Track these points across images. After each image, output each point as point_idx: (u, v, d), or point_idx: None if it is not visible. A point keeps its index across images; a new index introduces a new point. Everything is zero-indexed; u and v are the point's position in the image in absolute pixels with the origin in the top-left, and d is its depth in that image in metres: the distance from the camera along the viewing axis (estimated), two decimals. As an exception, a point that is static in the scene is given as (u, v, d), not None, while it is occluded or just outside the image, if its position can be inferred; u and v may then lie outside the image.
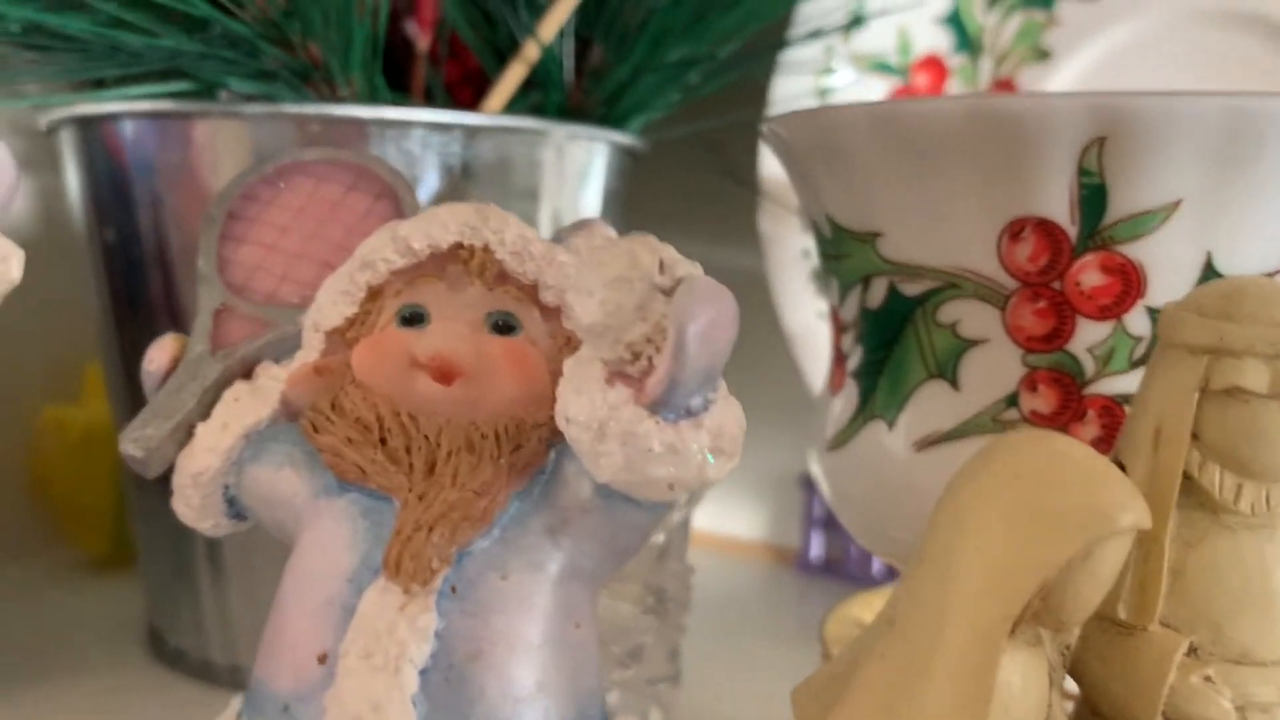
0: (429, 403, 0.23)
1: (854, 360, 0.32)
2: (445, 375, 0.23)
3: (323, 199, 0.29)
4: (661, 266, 0.21)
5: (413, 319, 0.25)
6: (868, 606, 0.38)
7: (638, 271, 0.21)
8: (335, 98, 0.38)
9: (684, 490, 0.21)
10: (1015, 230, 0.28)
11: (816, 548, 0.56)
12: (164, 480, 0.42)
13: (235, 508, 0.25)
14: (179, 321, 0.40)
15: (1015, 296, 0.28)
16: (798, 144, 0.32)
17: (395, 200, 0.29)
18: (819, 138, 0.31)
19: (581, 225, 0.27)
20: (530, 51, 0.43)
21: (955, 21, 0.49)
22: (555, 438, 0.23)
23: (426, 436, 0.23)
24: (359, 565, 0.22)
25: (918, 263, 0.29)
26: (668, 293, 0.21)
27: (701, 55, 0.46)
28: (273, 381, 0.25)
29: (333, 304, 0.25)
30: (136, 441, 0.25)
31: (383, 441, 0.23)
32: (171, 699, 0.42)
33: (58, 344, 0.55)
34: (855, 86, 0.49)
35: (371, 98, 0.39)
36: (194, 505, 0.25)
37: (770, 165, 0.50)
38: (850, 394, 0.32)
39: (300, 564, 0.23)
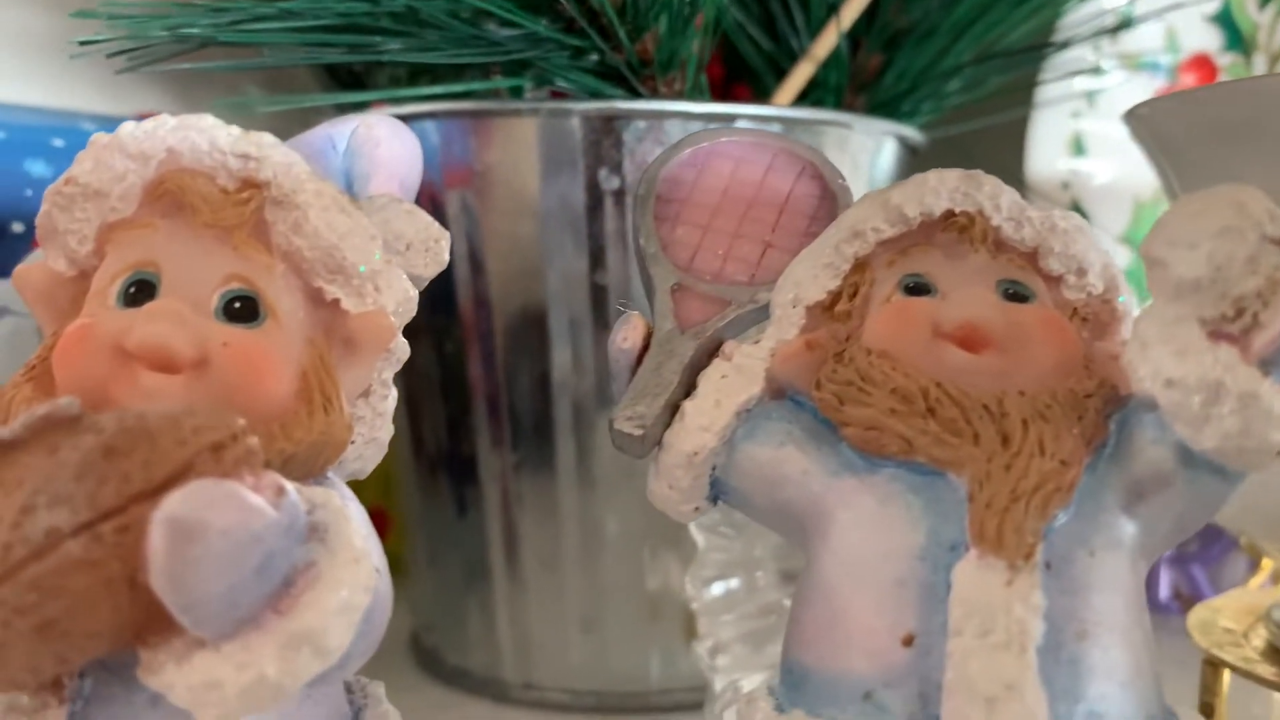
0: (959, 373, 0.22)
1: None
2: (975, 344, 0.22)
3: (744, 180, 0.28)
4: (1271, 217, 0.20)
5: (918, 289, 0.23)
6: (1223, 610, 0.36)
7: (1248, 221, 0.20)
8: (657, 94, 0.38)
9: (1292, 457, 0.20)
10: None
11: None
12: (458, 486, 0.41)
13: (716, 489, 0.24)
14: (491, 323, 0.39)
15: None
16: (1198, 123, 0.31)
17: (820, 178, 0.28)
18: (1239, 114, 0.29)
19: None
20: (821, 48, 0.42)
21: (1226, 19, 0.48)
22: (1109, 407, 0.22)
23: (987, 407, 0.21)
24: (927, 542, 0.20)
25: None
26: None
27: (978, 59, 0.45)
28: (750, 359, 0.24)
29: (814, 278, 0.24)
30: (631, 419, 0.23)
31: (930, 412, 0.21)
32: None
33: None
34: (1122, 86, 0.48)
35: (692, 94, 0.38)
36: (682, 487, 0.24)
37: (1036, 165, 0.49)
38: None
39: (847, 546, 0.21)
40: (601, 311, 0.39)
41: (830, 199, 0.28)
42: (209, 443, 0.18)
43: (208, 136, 0.22)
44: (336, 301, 0.23)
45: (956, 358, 0.22)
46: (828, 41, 0.42)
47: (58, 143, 0.37)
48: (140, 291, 0.22)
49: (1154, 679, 0.21)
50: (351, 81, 0.46)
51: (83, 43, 0.29)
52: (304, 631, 0.17)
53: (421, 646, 0.45)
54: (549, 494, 0.40)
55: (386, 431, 0.24)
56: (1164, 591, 0.52)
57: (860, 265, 0.24)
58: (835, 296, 0.24)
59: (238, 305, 0.22)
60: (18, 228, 0.34)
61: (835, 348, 0.23)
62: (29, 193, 0.35)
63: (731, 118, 0.37)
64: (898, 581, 0.20)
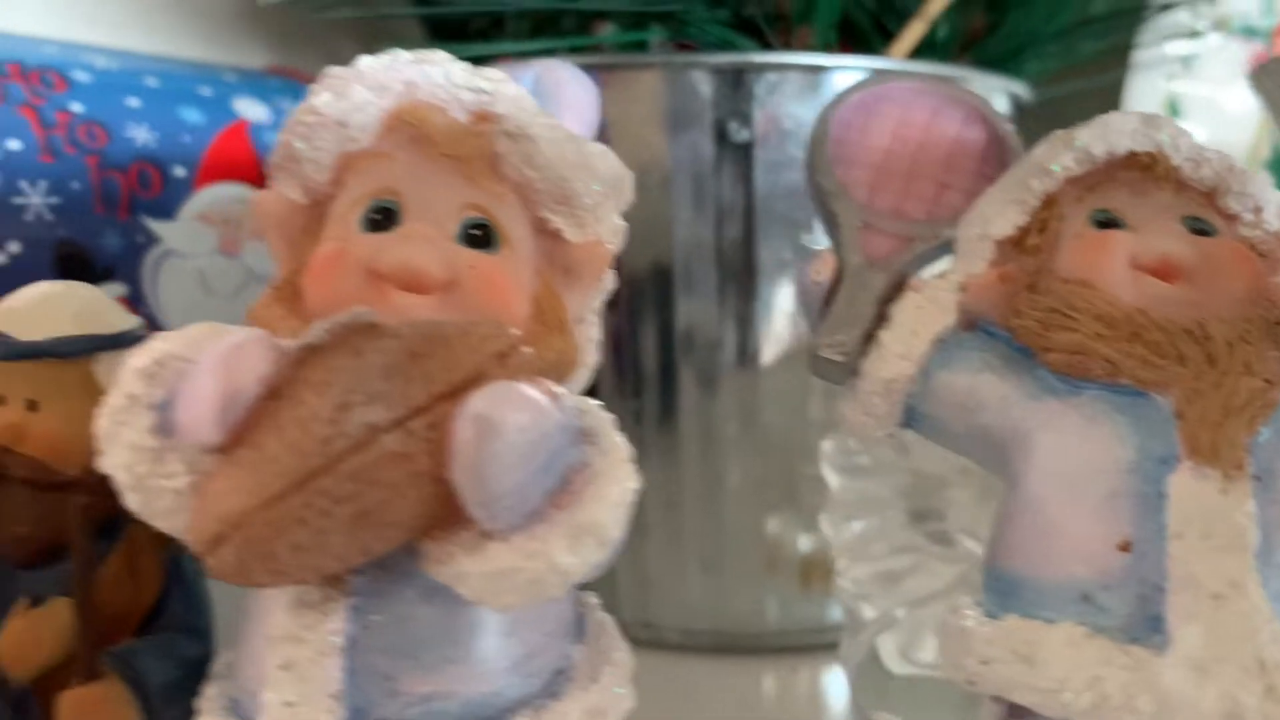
0: (1157, 301, 0.23)
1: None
2: (1170, 275, 0.23)
3: (913, 123, 0.29)
4: None
5: (1109, 223, 0.24)
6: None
7: None
8: (789, 47, 0.39)
9: None
10: None
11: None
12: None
13: (908, 416, 0.25)
14: (617, 275, 0.40)
15: None
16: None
17: (985, 123, 0.29)
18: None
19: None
20: (934, 7, 0.43)
21: (1320, -17, 0.48)
22: (1298, 335, 0.23)
23: (1189, 331, 0.22)
24: (1137, 457, 0.22)
25: None
26: None
27: (1083, 23, 0.46)
28: (941, 291, 0.25)
29: (1002, 213, 0.25)
30: (833, 347, 0.25)
31: (1135, 336, 0.23)
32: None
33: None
34: (1219, 50, 0.49)
35: (822, 47, 0.39)
36: (878, 413, 0.25)
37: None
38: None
39: (1056, 463, 0.22)
40: (726, 262, 0.40)
41: (997, 142, 0.29)
42: (495, 350, 0.19)
43: (443, 70, 0.23)
44: (558, 231, 0.24)
45: (1154, 287, 0.23)
46: (941, 1, 0.43)
47: (205, 91, 0.38)
48: (383, 218, 0.23)
49: None
50: (453, 36, 0.47)
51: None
52: (589, 523, 0.19)
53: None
54: (671, 443, 0.41)
55: (594, 358, 0.25)
56: None
57: (1049, 201, 0.25)
58: (1023, 231, 0.25)
59: (476, 232, 0.23)
60: (180, 172, 0.35)
61: (1026, 279, 0.24)
62: (186, 139, 0.36)
63: (864, 70, 0.38)
64: (1110, 493, 0.22)
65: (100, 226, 0.33)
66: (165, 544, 0.25)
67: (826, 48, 0.39)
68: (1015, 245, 0.25)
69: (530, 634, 0.22)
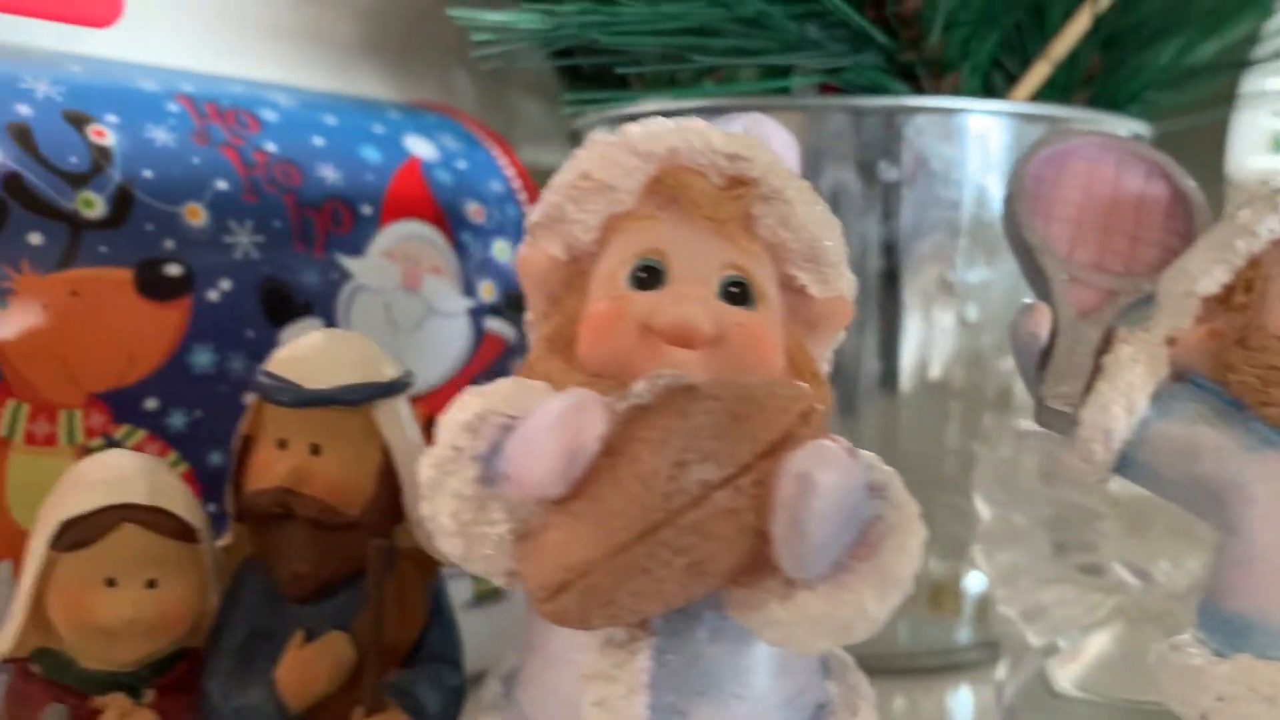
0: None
1: None
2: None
3: (1101, 178, 0.30)
4: None
5: (1313, 284, 0.26)
6: None
7: None
8: (939, 90, 0.40)
9: None
10: None
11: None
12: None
13: (1122, 462, 0.27)
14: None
15: None
16: None
17: (1166, 178, 0.31)
18: None
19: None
20: (1058, 49, 0.44)
21: None
22: None
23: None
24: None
25: None
26: None
27: (1194, 69, 0.47)
28: (1150, 345, 0.27)
29: (1207, 271, 0.27)
30: (1059, 398, 0.26)
31: (1352, 394, 0.24)
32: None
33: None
34: (1322, 88, 0.50)
35: (971, 92, 0.41)
36: (1096, 461, 0.26)
37: (1237, 160, 0.51)
38: None
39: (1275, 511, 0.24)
40: (869, 294, 0.41)
41: (1180, 198, 0.30)
42: (799, 410, 0.21)
43: (703, 138, 0.25)
44: (803, 287, 0.25)
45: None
46: (1066, 42, 0.44)
47: (378, 129, 0.39)
48: (648, 276, 0.24)
49: None
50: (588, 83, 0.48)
51: (476, 42, 0.32)
52: (893, 574, 0.20)
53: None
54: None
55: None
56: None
57: (1254, 261, 0.27)
58: (1228, 289, 0.27)
59: (735, 290, 0.24)
60: (367, 210, 0.37)
61: (1234, 335, 0.26)
62: (369, 177, 0.38)
63: (999, 114, 0.40)
64: (1342, 542, 0.23)
65: (300, 264, 0.35)
66: (429, 579, 0.26)
67: (972, 92, 0.41)
68: (1220, 302, 0.27)
69: (798, 672, 0.23)
